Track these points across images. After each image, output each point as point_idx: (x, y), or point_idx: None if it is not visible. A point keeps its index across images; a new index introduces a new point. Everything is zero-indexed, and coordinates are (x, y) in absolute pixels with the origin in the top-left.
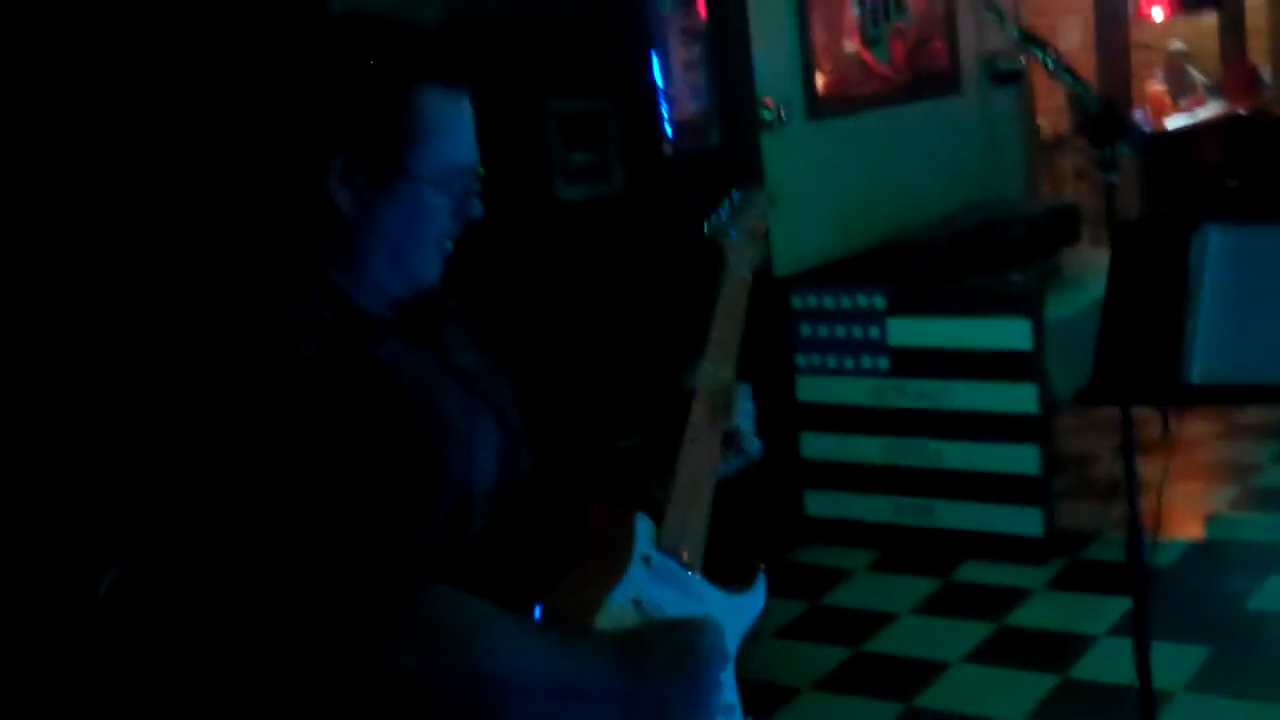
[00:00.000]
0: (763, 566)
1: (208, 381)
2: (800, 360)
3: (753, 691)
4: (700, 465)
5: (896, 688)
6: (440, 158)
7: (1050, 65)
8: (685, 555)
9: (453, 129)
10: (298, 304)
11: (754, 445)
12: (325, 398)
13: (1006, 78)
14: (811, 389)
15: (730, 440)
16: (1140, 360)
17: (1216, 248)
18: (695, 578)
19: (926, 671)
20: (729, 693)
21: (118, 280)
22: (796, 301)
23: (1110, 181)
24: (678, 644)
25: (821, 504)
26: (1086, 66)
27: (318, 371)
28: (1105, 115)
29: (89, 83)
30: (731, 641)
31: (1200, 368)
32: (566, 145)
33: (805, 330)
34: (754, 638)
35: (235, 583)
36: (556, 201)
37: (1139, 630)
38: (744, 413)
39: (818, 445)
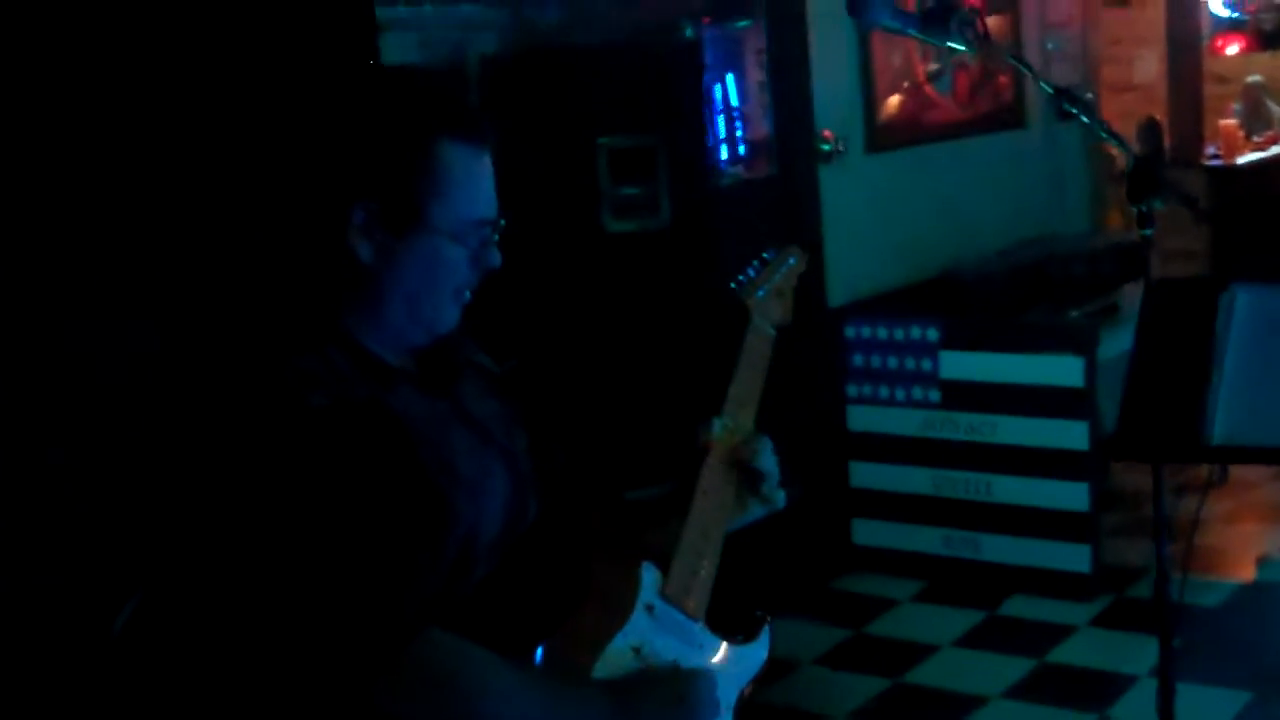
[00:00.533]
0: (768, 619)
1: (219, 430)
2: (852, 390)
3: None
4: (711, 516)
5: None
6: (460, 211)
7: (1086, 120)
8: (689, 605)
9: (473, 183)
10: (313, 355)
11: (779, 496)
12: (329, 450)
13: (1071, 113)
14: (862, 419)
15: (751, 486)
16: (1163, 419)
17: (1243, 308)
18: (698, 627)
19: (964, 705)
20: None
21: (141, 327)
22: (850, 332)
23: (1145, 236)
24: (670, 693)
25: (869, 533)
26: (1162, 99)
27: (324, 424)
28: (1141, 171)
29: (115, 128)
30: (730, 691)
31: (1221, 429)
32: (615, 179)
33: (858, 360)
34: (792, 667)
35: (234, 627)
36: (603, 234)
37: (1164, 676)
38: (765, 466)
39: (867, 475)
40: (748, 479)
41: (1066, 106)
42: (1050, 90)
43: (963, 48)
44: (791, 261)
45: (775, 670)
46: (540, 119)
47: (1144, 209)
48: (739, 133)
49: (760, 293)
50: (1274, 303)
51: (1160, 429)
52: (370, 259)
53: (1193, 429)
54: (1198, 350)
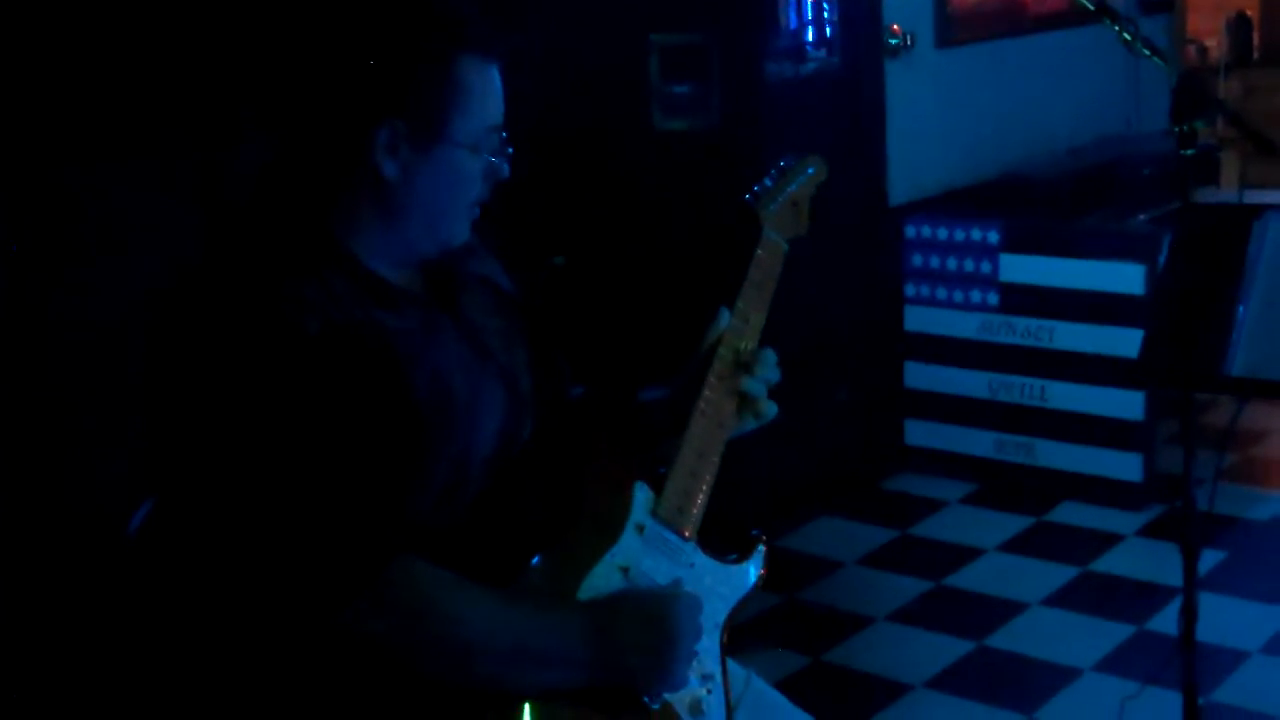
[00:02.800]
0: (763, 538)
1: (221, 354)
2: (910, 290)
3: (826, 619)
4: (708, 437)
5: (971, 625)
6: (476, 123)
7: (1127, 37)
8: (682, 525)
9: (488, 94)
10: (311, 279)
11: (770, 409)
12: (319, 376)
13: (1157, 5)
14: (919, 319)
15: (746, 402)
16: (1186, 344)
17: (1273, 238)
18: (689, 547)
19: (1004, 611)
20: (709, 662)
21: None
22: (910, 231)
23: (1185, 155)
24: (648, 616)
25: (922, 434)
26: None
27: (316, 349)
28: (1185, 89)
29: (125, 40)
30: (720, 610)
31: (1242, 360)
32: (667, 77)
33: (917, 260)
34: (835, 567)
35: (222, 542)
36: (653, 132)
37: (1188, 592)
38: (764, 379)
39: (922, 375)
40: (743, 392)
41: (1108, 23)
42: (1091, 7)
43: None
44: (810, 170)
45: (818, 569)
46: (594, 13)
47: (1185, 129)
48: (826, 14)
49: (775, 204)
50: None
51: (1182, 355)
52: (394, 175)
53: (1215, 358)
54: (1227, 278)
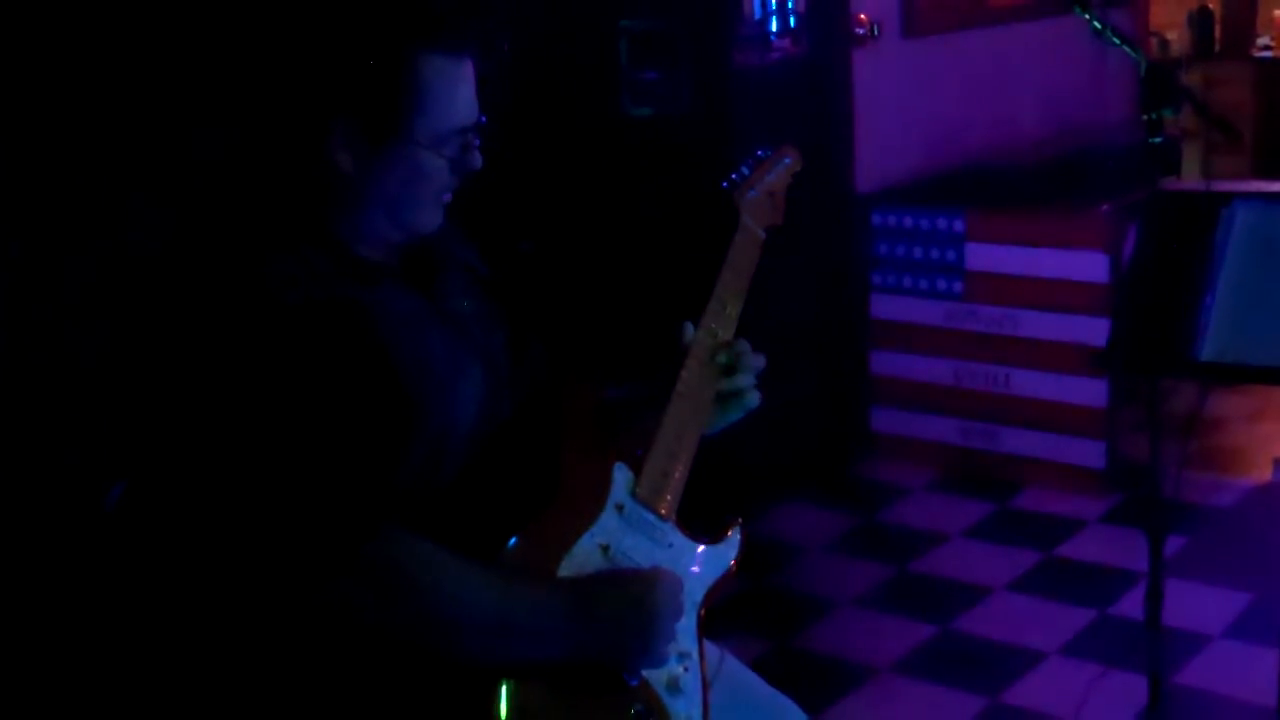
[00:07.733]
0: (739, 521)
1: (197, 326)
2: (876, 278)
3: (790, 604)
4: (687, 418)
5: (935, 610)
6: (439, 123)
7: (1096, 26)
8: (661, 505)
9: (453, 93)
10: (291, 255)
11: (754, 398)
12: (299, 347)
13: None
14: (885, 307)
15: (733, 396)
16: (1154, 331)
17: (1241, 225)
18: (667, 527)
19: (968, 596)
20: (686, 641)
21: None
22: (877, 219)
23: (1153, 143)
24: (631, 594)
25: (887, 421)
26: None
27: (294, 321)
28: (1153, 79)
29: (94, 39)
30: (697, 590)
31: (1210, 345)
32: (635, 63)
33: (883, 249)
34: (801, 552)
35: (201, 515)
36: (622, 118)
37: (1154, 576)
38: (748, 369)
39: (887, 363)
40: (726, 382)
41: (1079, 12)
42: None
43: None
44: (787, 161)
45: (785, 555)
46: (560, 3)
47: (1153, 117)
48: (790, 3)
49: (752, 193)
50: (1272, 221)
51: (1150, 342)
52: (350, 169)
53: (1183, 344)
54: (1195, 265)
